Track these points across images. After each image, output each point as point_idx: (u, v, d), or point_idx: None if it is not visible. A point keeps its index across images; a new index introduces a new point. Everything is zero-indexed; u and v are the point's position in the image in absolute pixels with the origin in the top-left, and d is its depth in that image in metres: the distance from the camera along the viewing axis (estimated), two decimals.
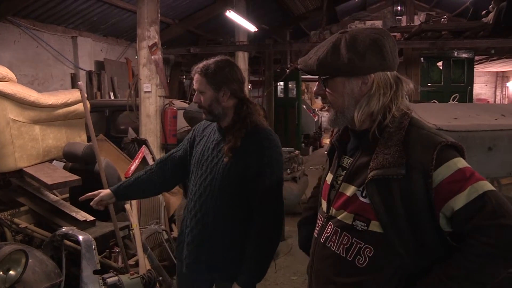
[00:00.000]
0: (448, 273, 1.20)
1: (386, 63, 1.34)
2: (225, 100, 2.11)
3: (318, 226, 1.51)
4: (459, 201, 1.20)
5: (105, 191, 2.44)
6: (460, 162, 1.25)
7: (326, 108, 1.44)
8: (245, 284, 2.02)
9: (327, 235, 1.43)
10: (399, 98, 1.36)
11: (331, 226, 1.42)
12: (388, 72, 1.35)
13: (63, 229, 3.28)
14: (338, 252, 1.38)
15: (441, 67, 10.94)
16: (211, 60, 2.13)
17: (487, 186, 1.21)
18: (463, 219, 1.19)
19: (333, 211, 1.43)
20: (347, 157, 1.46)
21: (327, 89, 1.39)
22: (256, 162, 2.03)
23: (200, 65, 2.13)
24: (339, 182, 1.44)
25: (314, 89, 1.45)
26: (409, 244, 1.26)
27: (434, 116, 2.17)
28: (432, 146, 1.25)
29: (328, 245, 1.42)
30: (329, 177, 1.51)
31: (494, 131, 1.94)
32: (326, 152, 1.57)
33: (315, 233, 1.52)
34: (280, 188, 2.08)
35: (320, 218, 1.52)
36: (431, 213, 1.25)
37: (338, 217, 1.40)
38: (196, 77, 2.14)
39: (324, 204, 1.51)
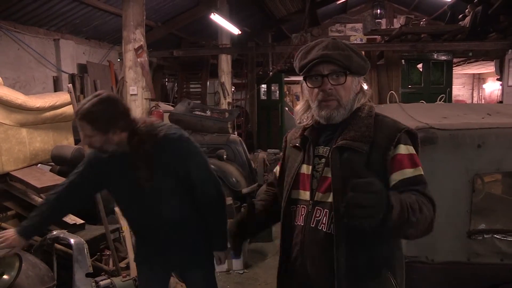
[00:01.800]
0: (406, 199, 1.37)
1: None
2: (116, 138, 2.06)
3: (302, 214, 1.61)
4: (408, 172, 1.47)
5: (12, 236, 2.35)
6: (412, 150, 1.53)
7: (325, 103, 1.56)
8: (222, 246, 2.33)
9: (317, 218, 1.56)
10: (366, 95, 1.63)
11: (320, 210, 1.56)
12: None
13: (54, 233, 3.26)
14: (330, 232, 1.52)
15: (421, 69, 11.17)
16: (90, 103, 2.00)
17: (422, 171, 1.51)
18: (408, 184, 1.46)
19: (319, 195, 1.57)
20: (321, 147, 1.61)
21: (340, 84, 1.55)
22: (177, 162, 2.16)
23: (81, 110, 2.00)
24: (319, 170, 1.59)
25: (327, 85, 1.55)
26: None
27: (424, 115, 2.25)
28: (396, 130, 1.53)
29: (320, 228, 1.55)
30: (307, 168, 1.62)
31: (483, 129, 2.02)
32: (297, 145, 1.67)
33: (299, 222, 1.62)
34: (208, 166, 2.26)
35: (303, 207, 1.61)
36: (383, 177, 1.47)
37: (327, 200, 1.55)
38: (79, 123, 2.04)
39: (305, 194, 1.62)
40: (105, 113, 2.00)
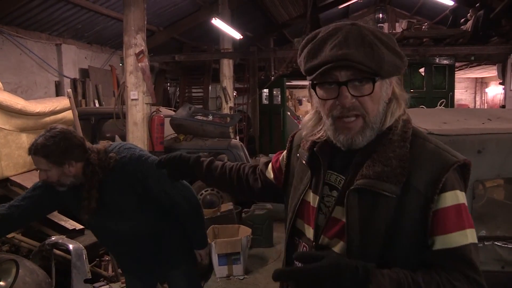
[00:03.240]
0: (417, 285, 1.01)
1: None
2: (72, 170, 2.07)
3: None
4: (453, 240, 1.06)
5: None
6: (462, 197, 1.10)
7: (348, 121, 1.12)
8: (201, 244, 2.42)
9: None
10: (401, 103, 1.19)
11: None
12: None
13: (53, 238, 3.24)
14: None
15: (423, 74, 11.15)
16: (43, 137, 2.02)
17: (475, 237, 1.10)
18: (450, 257, 1.06)
19: (325, 239, 1.18)
20: (335, 173, 1.20)
21: (365, 95, 1.10)
22: (133, 182, 2.16)
23: (35, 145, 2.01)
24: (327, 204, 1.20)
25: (347, 99, 1.10)
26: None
27: (424, 120, 2.23)
28: (442, 168, 1.08)
29: None
30: (313, 199, 1.23)
31: (483, 135, 1.99)
32: (304, 162, 1.27)
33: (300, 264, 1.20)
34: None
35: (305, 247, 1.25)
36: (420, 234, 1.07)
37: (333, 248, 1.16)
38: (34, 158, 2.03)
39: (309, 230, 1.25)
40: (59, 146, 2.01)
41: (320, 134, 1.25)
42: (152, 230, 2.32)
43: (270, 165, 1.57)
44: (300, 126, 1.32)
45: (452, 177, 1.09)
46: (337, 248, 1.15)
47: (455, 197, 1.08)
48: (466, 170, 1.14)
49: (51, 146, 1.99)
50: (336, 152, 1.19)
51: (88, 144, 2.18)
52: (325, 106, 1.15)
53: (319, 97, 1.15)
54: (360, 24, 1.13)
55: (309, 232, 1.24)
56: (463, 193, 1.11)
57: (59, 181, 2.07)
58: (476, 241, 1.09)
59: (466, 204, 1.10)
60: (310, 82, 1.17)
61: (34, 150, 2.00)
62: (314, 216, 1.22)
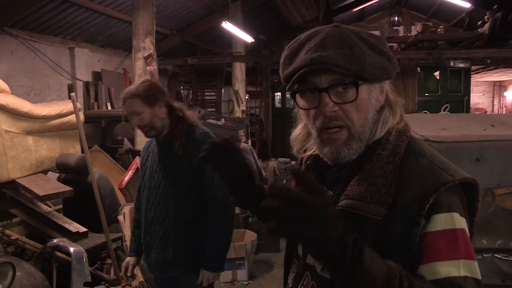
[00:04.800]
0: (409, 278, 0.87)
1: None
2: (162, 111, 2.31)
3: (293, 273, 1.17)
4: (441, 270, 0.89)
5: (131, 260, 2.55)
6: (461, 222, 0.93)
7: (331, 132, 1.01)
8: (213, 268, 2.29)
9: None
10: (396, 111, 1.06)
11: (308, 278, 1.09)
12: None
13: (54, 241, 3.27)
14: None
15: (438, 77, 10.98)
16: (137, 85, 2.33)
17: (476, 271, 0.92)
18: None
19: (310, 259, 1.09)
20: (325, 188, 1.09)
21: (348, 102, 0.99)
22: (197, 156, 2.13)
23: (127, 91, 2.31)
24: None
25: (329, 107, 0.99)
26: None
27: (423, 126, 2.17)
28: (432, 187, 0.94)
29: None
30: None
31: (482, 142, 1.92)
32: None
33: (290, 282, 1.18)
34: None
35: (295, 264, 1.16)
36: (407, 264, 0.90)
37: (317, 270, 1.06)
38: (128, 102, 2.28)
39: (300, 249, 1.15)
40: (150, 89, 2.30)
41: (311, 150, 1.15)
42: (191, 221, 2.31)
43: None
44: (290, 141, 1.20)
45: (446, 197, 0.94)
46: (320, 269, 1.05)
47: (449, 221, 0.92)
48: (471, 191, 0.99)
49: (144, 89, 2.29)
50: (328, 167, 1.09)
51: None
52: (309, 117, 1.03)
53: (300, 107, 1.04)
54: (344, 26, 1.04)
55: (300, 250, 1.15)
56: (464, 218, 0.94)
57: (151, 123, 2.28)
58: (476, 276, 0.91)
59: (467, 231, 0.93)
60: (290, 93, 1.06)
61: (130, 94, 2.27)
62: None
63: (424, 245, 0.92)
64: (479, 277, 0.91)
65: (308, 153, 1.17)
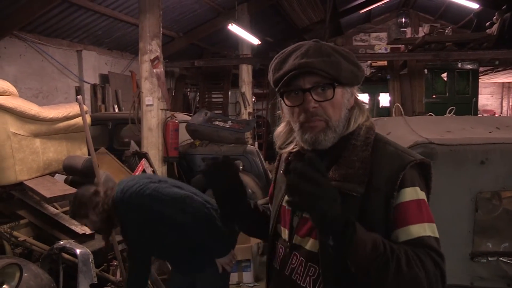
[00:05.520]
0: (392, 247, 1.09)
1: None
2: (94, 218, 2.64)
3: (279, 256, 1.35)
4: (414, 231, 1.14)
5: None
6: (422, 193, 1.20)
7: (308, 125, 1.24)
8: (220, 253, 2.57)
9: (293, 266, 1.29)
10: (365, 112, 1.30)
11: (296, 256, 1.29)
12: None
13: (61, 242, 3.29)
14: (304, 286, 1.25)
15: (445, 79, 10.91)
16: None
17: (435, 231, 1.17)
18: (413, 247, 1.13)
19: (297, 239, 1.29)
20: None
21: (327, 100, 1.22)
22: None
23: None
24: None
25: (310, 104, 1.21)
26: (339, 265, 1.14)
27: (427, 129, 2.15)
28: (400, 167, 1.18)
29: (294, 278, 1.28)
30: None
31: (487, 145, 1.91)
32: (282, 172, 1.40)
33: (277, 264, 1.37)
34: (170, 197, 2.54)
35: (281, 247, 1.35)
36: (384, 230, 1.16)
37: (305, 246, 1.26)
38: (77, 220, 2.92)
39: (284, 232, 1.35)
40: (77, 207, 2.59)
41: (294, 144, 1.36)
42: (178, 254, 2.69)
43: (268, 196, 1.64)
44: (274, 137, 1.41)
45: (410, 174, 1.19)
46: (308, 245, 1.25)
47: (414, 193, 1.18)
48: (426, 170, 1.25)
49: (73, 209, 2.59)
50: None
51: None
52: (294, 114, 1.26)
53: (287, 105, 1.27)
54: (322, 42, 1.27)
55: (285, 234, 1.35)
56: (423, 192, 1.21)
57: (96, 228, 2.63)
58: (436, 235, 1.17)
59: (426, 201, 1.21)
60: (279, 93, 1.28)
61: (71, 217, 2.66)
62: (289, 218, 1.33)
63: (397, 213, 1.17)
64: (438, 236, 1.18)
65: (287, 149, 1.38)
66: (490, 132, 2.14)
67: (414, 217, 1.16)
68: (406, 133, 2.12)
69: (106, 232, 2.63)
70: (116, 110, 9.05)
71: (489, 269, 1.92)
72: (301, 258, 1.27)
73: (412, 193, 1.18)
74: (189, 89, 14.25)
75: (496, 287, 1.92)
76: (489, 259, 1.91)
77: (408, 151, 1.26)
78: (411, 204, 1.17)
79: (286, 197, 1.25)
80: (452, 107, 2.92)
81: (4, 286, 2.50)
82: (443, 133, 2.07)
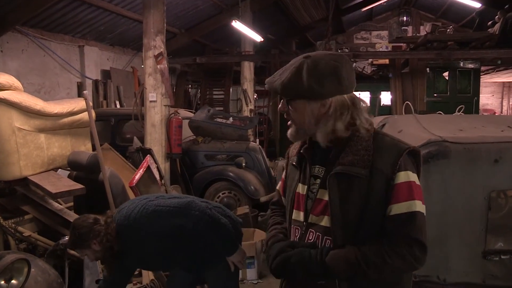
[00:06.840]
0: (364, 255, 1.41)
1: (342, 88, 1.48)
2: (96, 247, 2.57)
3: (296, 236, 1.59)
4: (402, 207, 1.43)
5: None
6: (413, 176, 1.47)
7: (289, 123, 1.57)
8: (229, 252, 2.58)
9: (310, 241, 1.53)
10: (362, 113, 1.50)
11: (312, 232, 1.54)
12: (345, 95, 1.49)
13: (66, 238, 3.28)
14: None
15: (447, 78, 10.90)
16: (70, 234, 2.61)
17: (423, 208, 1.46)
18: (398, 221, 1.42)
19: (312, 218, 1.54)
20: (317, 166, 1.57)
21: (290, 108, 1.53)
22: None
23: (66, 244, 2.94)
24: (314, 191, 1.55)
25: (279, 106, 1.57)
26: (349, 235, 1.45)
27: (439, 127, 2.15)
28: (398, 154, 1.45)
29: None
30: (302, 188, 1.59)
31: (500, 143, 1.90)
32: (294, 164, 1.64)
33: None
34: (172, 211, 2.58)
35: (297, 228, 1.59)
36: (384, 205, 1.44)
37: (320, 223, 1.51)
38: (77, 251, 2.75)
39: (299, 215, 1.59)
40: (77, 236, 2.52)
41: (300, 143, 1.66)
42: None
43: (280, 184, 1.86)
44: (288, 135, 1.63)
45: (405, 160, 1.46)
46: (323, 222, 1.51)
47: (406, 176, 1.45)
48: (417, 156, 1.52)
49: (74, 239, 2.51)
50: (317, 150, 1.57)
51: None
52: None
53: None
54: (312, 57, 1.48)
55: (299, 216, 1.59)
56: (415, 174, 1.49)
57: (97, 258, 2.59)
58: (423, 211, 1.46)
59: (417, 182, 1.48)
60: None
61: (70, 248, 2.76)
62: (304, 202, 1.57)
63: (393, 192, 1.44)
64: (425, 212, 1.47)
65: (292, 147, 1.71)
66: (502, 130, 2.13)
67: (405, 195, 1.43)
68: (418, 131, 2.11)
69: (109, 260, 2.55)
70: (118, 106, 9.03)
71: (502, 267, 1.91)
72: (317, 233, 1.53)
73: (405, 176, 1.44)
74: (190, 86, 14.21)
75: (509, 285, 1.92)
76: (502, 257, 1.91)
77: (402, 141, 1.53)
78: (403, 185, 1.44)
79: (301, 185, 1.59)
80: (461, 106, 2.92)
81: (12, 281, 2.49)
82: (455, 132, 2.07)
